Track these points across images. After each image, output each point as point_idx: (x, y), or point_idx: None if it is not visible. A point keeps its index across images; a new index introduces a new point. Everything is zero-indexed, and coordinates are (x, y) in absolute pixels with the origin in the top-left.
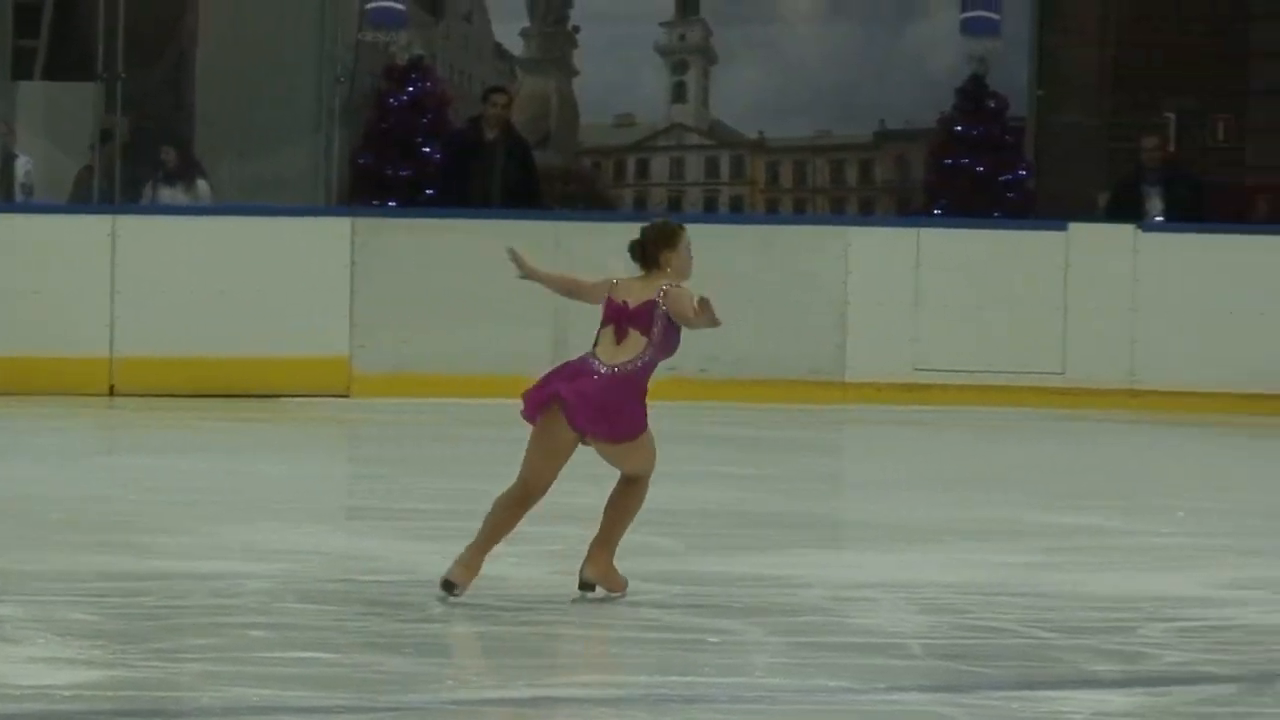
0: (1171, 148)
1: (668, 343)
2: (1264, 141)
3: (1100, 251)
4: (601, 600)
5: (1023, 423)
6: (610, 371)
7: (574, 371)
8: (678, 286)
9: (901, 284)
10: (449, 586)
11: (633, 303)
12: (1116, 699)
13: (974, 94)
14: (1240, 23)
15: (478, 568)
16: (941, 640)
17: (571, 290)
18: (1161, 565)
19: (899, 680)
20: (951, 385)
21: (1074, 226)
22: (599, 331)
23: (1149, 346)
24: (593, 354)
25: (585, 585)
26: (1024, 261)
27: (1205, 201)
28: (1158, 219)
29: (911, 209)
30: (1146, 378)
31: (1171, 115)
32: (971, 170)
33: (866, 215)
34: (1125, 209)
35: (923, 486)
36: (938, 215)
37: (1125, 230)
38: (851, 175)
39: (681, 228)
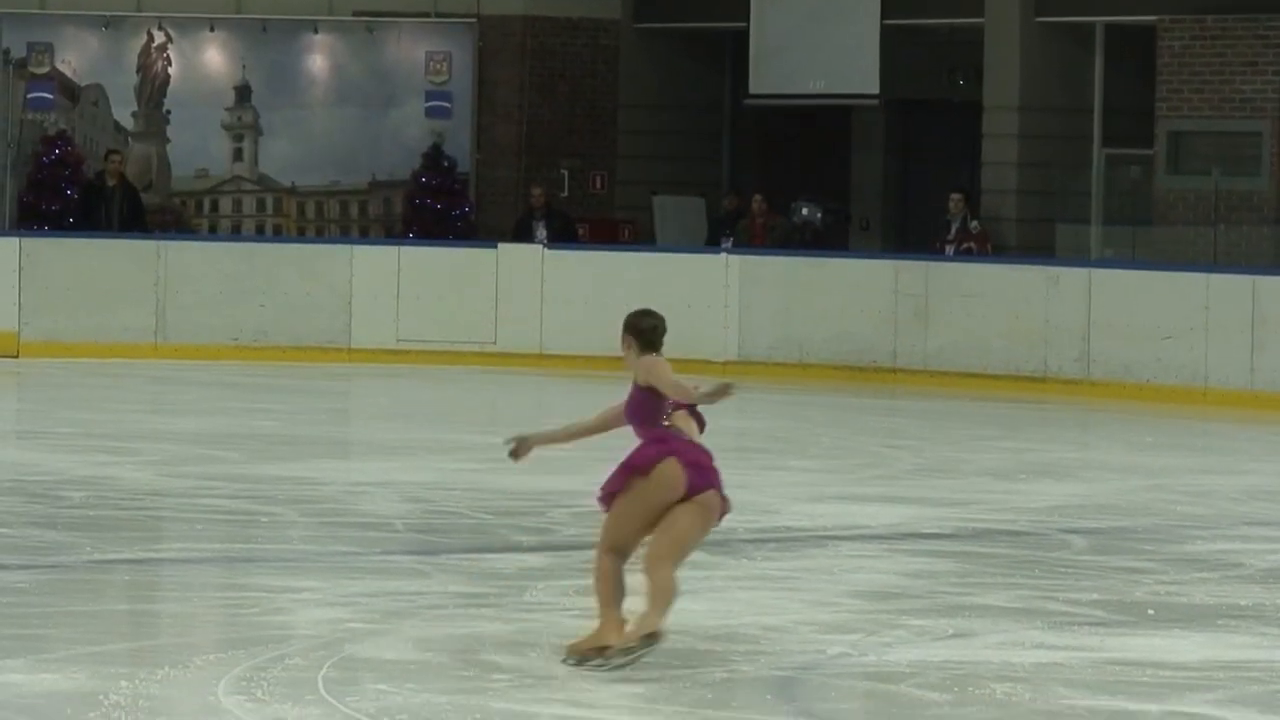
0: (564, 193)
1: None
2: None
3: (520, 264)
4: None
5: (505, 377)
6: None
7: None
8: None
9: (389, 283)
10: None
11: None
12: (532, 560)
13: (434, 157)
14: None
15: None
16: (418, 520)
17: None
18: (568, 469)
19: (391, 546)
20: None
21: (501, 246)
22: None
23: (553, 323)
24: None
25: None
26: (470, 268)
27: (574, 231)
28: (544, 242)
29: (395, 234)
30: (551, 345)
31: (565, 171)
32: (433, 208)
33: (364, 238)
34: (522, 234)
35: (395, 418)
36: (412, 238)
37: (534, 249)
38: (354, 211)
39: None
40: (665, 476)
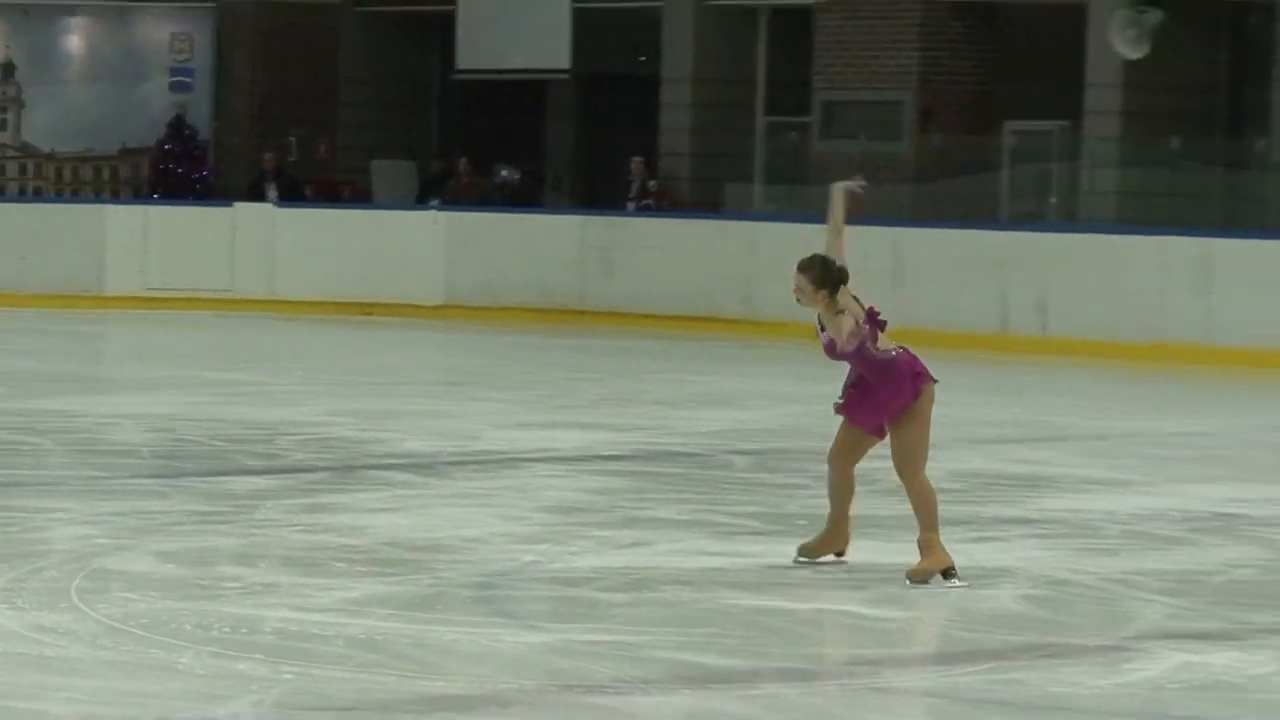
0: (293, 158)
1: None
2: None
3: (253, 221)
4: None
5: (239, 320)
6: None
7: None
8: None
9: (138, 239)
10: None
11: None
12: (262, 482)
13: (177, 126)
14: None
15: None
16: (161, 448)
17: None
18: (295, 401)
19: (137, 470)
20: (174, 298)
21: (237, 205)
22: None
23: (283, 272)
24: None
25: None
26: (209, 224)
27: (301, 191)
28: (274, 201)
29: (143, 195)
30: (281, 291)
31: (294, 138)
32: (177, 172)
33: (115, 198)
34: (256, 194)
35: (142, 358)
36: (158, 199)
37: (266, 207)
38: (106, 175)
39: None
40: (931, 395)
